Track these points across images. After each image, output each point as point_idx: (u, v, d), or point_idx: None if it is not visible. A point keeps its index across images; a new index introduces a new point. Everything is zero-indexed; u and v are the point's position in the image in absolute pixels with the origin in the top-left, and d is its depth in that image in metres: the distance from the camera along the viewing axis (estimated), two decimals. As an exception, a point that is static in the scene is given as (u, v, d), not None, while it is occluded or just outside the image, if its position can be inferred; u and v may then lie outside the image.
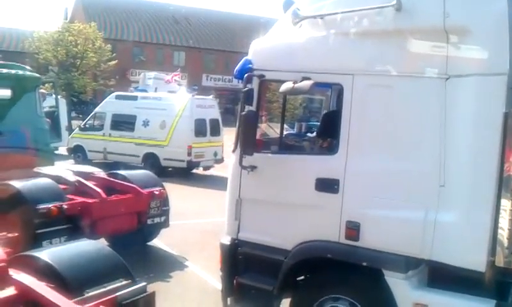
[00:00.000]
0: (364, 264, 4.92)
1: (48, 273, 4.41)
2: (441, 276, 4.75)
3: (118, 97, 20.86)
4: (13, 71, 10.89)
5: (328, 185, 5.12)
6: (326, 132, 5.86)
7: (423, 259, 4.78)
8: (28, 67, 12.19)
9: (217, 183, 16.49)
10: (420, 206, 4.72)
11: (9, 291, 4.23)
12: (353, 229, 4.98)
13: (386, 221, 4.84)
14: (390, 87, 4.87)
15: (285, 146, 6.30)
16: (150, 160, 18.59)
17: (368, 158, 4.97)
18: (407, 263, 4.76)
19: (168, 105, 19.08)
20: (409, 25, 4.75)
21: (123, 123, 19.81)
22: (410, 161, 4.81)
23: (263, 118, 6.21)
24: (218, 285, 6.20)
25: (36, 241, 7.11)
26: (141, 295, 4.63)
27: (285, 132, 6.99)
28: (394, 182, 4.86)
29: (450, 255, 4.60)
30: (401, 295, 4.74)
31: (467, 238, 4.53)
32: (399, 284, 4.76)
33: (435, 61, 4.67)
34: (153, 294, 4.77)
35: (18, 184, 7.89)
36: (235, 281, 5.68)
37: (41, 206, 7.55)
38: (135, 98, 20.32)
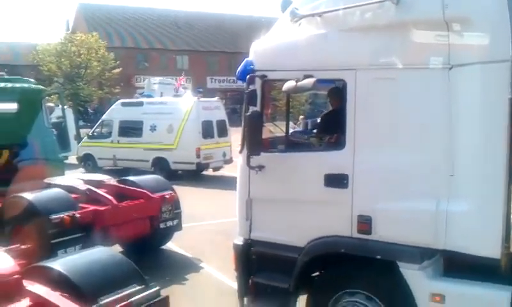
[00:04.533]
0: (378, 257, 4.91)
1: (62, 283, 4.46)
2: (456, 265, 4.73)
3: (123, 104, 20.96)
4: (19, 85, 10.98)
5: (337, 181, 5.12)
6: (326, 129, 5.86)
7: (437, 249, 4.76)
8: (33, 80, 12.28)
9: (228, 183, 16.48)
10: (431, 196, 4.70)
11: (24, 302, 4.29)
12: (365, 223, 4.98)
13: (397, 213, 4.83)
14: (394, 79, 4.86)
15: (291, 144, 6.31)
16: (160, 165, 18.68)
17: (376, 152, 4.95)
18: (421, 254, 4.75)
19: (174, 109, 19.14)
20: (409, 17, 4.73)
21: (131, 129, 19.90)
22: (418, 152, 4.79)
23: (268, 117, 6.21)
24: (234, 285, 6.22)
25: (51, 251, 7.16)
26: (155, 300, 4.67)
27: (290, 130, 6.99)
28: (403, 174, 4.84)
29: (464, 244, 4.58)
30: (417, 286, 4.73)
31: (480, 225, 4.51)
32: (414, 275, 4.74)
33: (437, 51, 4.64)
34: (167, 298, 4.81)
35: (30, 196, 7.96)
36: (250, 281, 5.70)
37: (54, 216, 7.60)
38: (141, 104, 20.41)
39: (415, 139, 4.83)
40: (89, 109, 38.99)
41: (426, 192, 4.74)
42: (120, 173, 16.50)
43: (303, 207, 5.42)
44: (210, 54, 59.29)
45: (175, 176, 17.23)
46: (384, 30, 4.87)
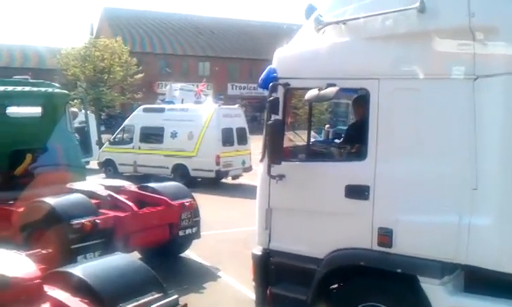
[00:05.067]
0: (398, 271, 4.85)
1: (82, 289, 4.48)
2: (478, 281, 4.66)
3: (145, 110, 21.10)
4: (43, 89, 11.13)
5: (357, 192, 5.07)
6: (354, 139, 5.83)
7: (458, 264, 4.69)
8: (57, 84, 12.44)
9: (247, 191, 16.49)
10: (453, 210, 4.63)
11: (45, 307, 4.30)
12: (386, 236, 4.92)
13: (419, 226, 4.77)
14: (417, 90, 4.81)
15: (312, 153, 6.27)
16: (179, 171, 18.74)
17: (398, 163, 4.90)
18: (442, 269, 4.68)
19: (195, 116, 19.22)
20: (434, 26, 4.69)
21: (152, 135, 20.02)
22: (441, 165, 4.72)
23: (288, 125, 6.19)
24: (252, 295, 6.19)
25: (72, 256, 7.19)
26: (174, 308, 4.66)
27: (312, 139, 6.96)
28: (425, 187, 4.78)
29: (486, 259, 4.50)
30: (438, 301, 4.66)
31: (503, 240, 4.43)
32: (434, 290, 4.68)
33: (462, 61, 4.59)
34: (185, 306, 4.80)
35: (51, 201, 8.02)
36: (268, 291, 5.67)
37: (75, 221, 7.64)
38: (162, 110, 20.53)
39: (438, 151, 4.77)
40: (117, 114, 39.26)
41: (448, 206, 4.67)
42: (140, 179, 16.60)
43: (323, 218, 5.39)
44: (232, 61, 59.53)
45: (194, 183, 17.28)
46: (409, 39, 4.83)
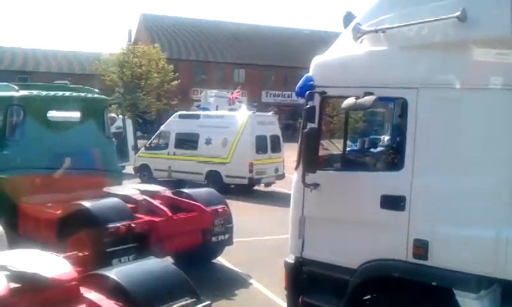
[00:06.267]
0: (434, 284, 4.75)
1: (117, 291, 4.55)
2: None
3: (181, 116, 21.32)
4: (82, 94, 11.38)
5: (393, 203, 5.01)
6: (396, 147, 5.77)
7: (495, 279, 4.58)
8: (96, 89, 12.69)
9: (279, 199, 16.48)
10: (491, 223, 4.54)
11: (81, 308, 4.39)
12: (421, 248, 4.84)
13: (456, 239, 4.68)
14: (457, 100, 4.73)
15: (348, 162, 6.22)
16: (213, 178, 18.81)
17: (436, 174, 4.82)
18: (479, 283, 4.59)
19: (230, 123, 19.32)
20: (475, 35, 4.62)
21: (187, 141, 20.18)
22: (480, 177, 4.63)
23: (324, 134, 6.16)
24: (283, 304, 6.17)
25: (106, 259, 7.30)
26: (207, 314, 4.68)
27: (347, 149, 6.91)
28: (463, 199, 4.69)
29: None
30: None
31: None
32: (471, 304, 4.57)
33: (504, 71, 4.52)
34: (218, 313, 4.82)
35: (88, 204, 8.18)
36: (300, 300, 5.63)
37: (111, 225, 7.77)
38: (197, 116, 20.72)
39: (477, 163, 4.68)
40: (152, 120, 39.76)
41: (487, 218, 4.59)
42: (174, 184, 16.76)
43: (357, 228, 5.33)
44: (266, 68, 59.63)
45: (227, 190, 17.36)
46: (448, 48, 4.77)
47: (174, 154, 20.31)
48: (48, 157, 9.90)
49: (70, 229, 8.12)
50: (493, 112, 4.59)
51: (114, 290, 4.55)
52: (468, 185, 4.67)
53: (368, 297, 5.47)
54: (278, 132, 19.96)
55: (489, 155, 4.62)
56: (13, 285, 4.22)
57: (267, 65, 59.64)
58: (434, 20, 4.75)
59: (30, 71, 51.52)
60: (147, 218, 8.58)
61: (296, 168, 5.68)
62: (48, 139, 9.94)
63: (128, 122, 23.10)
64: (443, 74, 4.81)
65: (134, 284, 4.62)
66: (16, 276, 4.31)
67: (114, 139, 11.86)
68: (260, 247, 11.24)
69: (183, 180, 18.62)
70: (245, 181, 18.77)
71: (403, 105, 5.11)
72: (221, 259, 10.16)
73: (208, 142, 19.40)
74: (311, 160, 5.30)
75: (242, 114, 20.03)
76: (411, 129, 4.96)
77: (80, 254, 7.02)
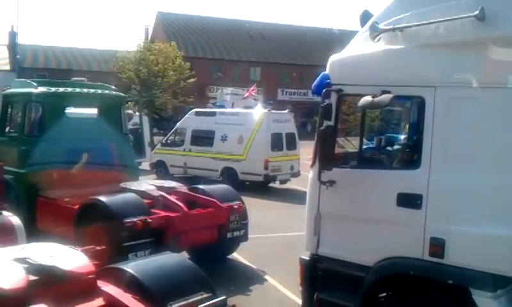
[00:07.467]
0: (450, 282, 4.75)
1: (133, 285, 4.59)
2: None
3: (197, 113, 21.42)
4: (100, 91, 11.51)
5: (410, 201, 5.00)
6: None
7: None
8: (113, 86, 12.81)
9: (294, 196, 16.49)
10: (508, 222, 4.50)
11: (98, 302, 4.45)
12: (438, 246, 4.83)
13: (473, 238, 4.66)
14: (474, 98, 4.71)
15: (364, 160, 6.21)
16: (228, 174, 18.88)
17: (453, 173, 4.81)
18: (495, 281, 4.57)
19: (245, 120, 19.38)
20: (493, 34, 4.60)
21: (203, 138, 20.28)
22: (496, 175, 4.61)
23: (339, 132, 6.16)
24: (298, 300, 6.18)
25: (123, 254, 7.37)
26: (222, 309, 4.71)
27: (363, 146, 6.90)
28: (480, 197, 4.68)
29: None
30: None
31: None
32: (487, 303, 4.56)
33: None
34: (233, 308, 4.84)
35: (105, 199, 8.28)
36: (315, 297, 5.65)
37: (128, 220, 7.86)
38: (213, 114, 20.81)
39: (494, 162, 4.66)
40: (169, 117, 39.94)
41: (504, 217, 4.56)
42: (189, 181, 16.86)
43: (373, 226, 5.33)
44: (282, 66, 59.50)
45: (242, 186, 17.40)
46: (466, 46, 4.75)
47: (190, 151, 20.41)
48: (66, 153, 10.04)
49: (88, 223, 8.24)
50: (509, 110, 4.56)
51: (130, 284, 4.59)
52: (485, 183, 4.65)
53: (384, 294, 5.48)
54: (294, 130, 19.94)
55: (507, 153, 4.59)
56: (32, 277, 4.28)
57: (283, 63, 59.48)
58: (453, 19, 4.73)
59: (52, 68, 51.55)
60: (163, 213, 8.65)
61: (312, 165, 5.69)
62: (66, 135, 10.06)
63: (145, 119, 23.25)
64: (460, 73, 4.79)
65: (150, 278, 4.65)
66: (34, 269, 4.37)
67: (130, 135, 11.96)
68: (275, 243, 11.27)
69: (198, 177, 18.70)
70: (260, 179, 18.81)
71: (420, 104, 5.10)
72: (236, 255, 10.20)
73: (223, 139, 19.47)
74: (327, 158, 5.31)
75: (258, 111, 20.06)
76: (428, 128, 4.95)
77: (98, 248, 7.09)
